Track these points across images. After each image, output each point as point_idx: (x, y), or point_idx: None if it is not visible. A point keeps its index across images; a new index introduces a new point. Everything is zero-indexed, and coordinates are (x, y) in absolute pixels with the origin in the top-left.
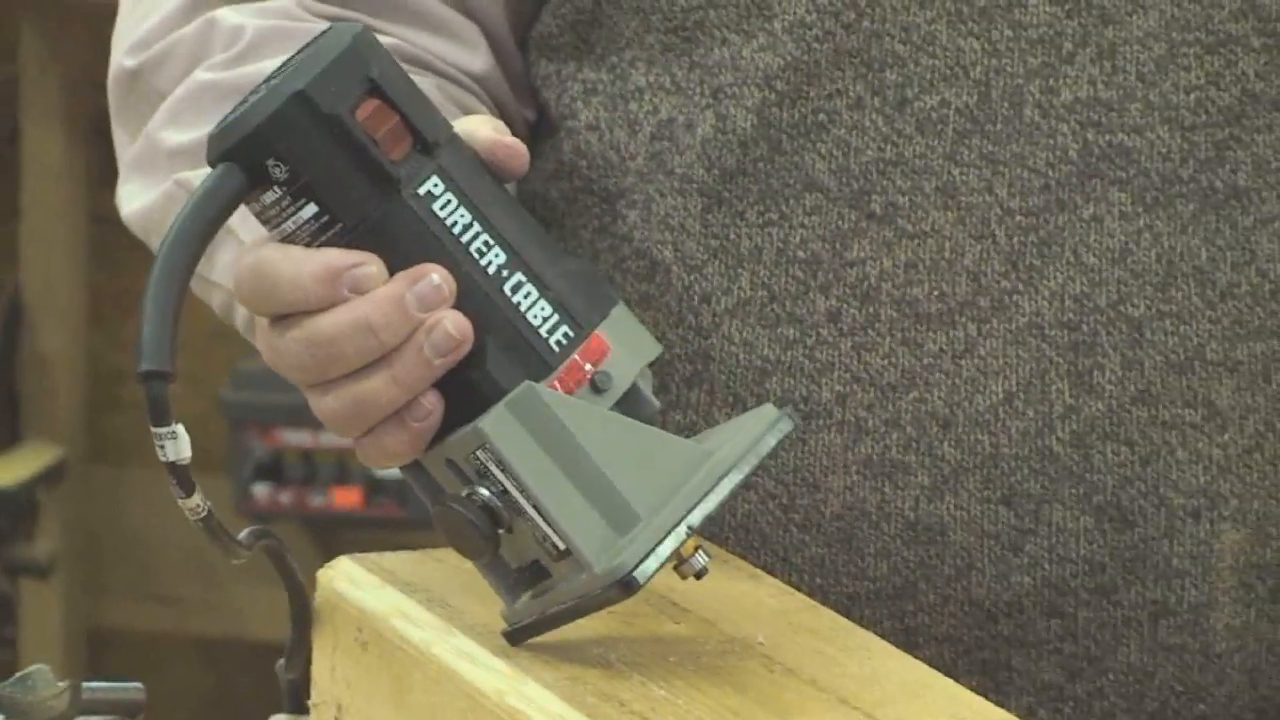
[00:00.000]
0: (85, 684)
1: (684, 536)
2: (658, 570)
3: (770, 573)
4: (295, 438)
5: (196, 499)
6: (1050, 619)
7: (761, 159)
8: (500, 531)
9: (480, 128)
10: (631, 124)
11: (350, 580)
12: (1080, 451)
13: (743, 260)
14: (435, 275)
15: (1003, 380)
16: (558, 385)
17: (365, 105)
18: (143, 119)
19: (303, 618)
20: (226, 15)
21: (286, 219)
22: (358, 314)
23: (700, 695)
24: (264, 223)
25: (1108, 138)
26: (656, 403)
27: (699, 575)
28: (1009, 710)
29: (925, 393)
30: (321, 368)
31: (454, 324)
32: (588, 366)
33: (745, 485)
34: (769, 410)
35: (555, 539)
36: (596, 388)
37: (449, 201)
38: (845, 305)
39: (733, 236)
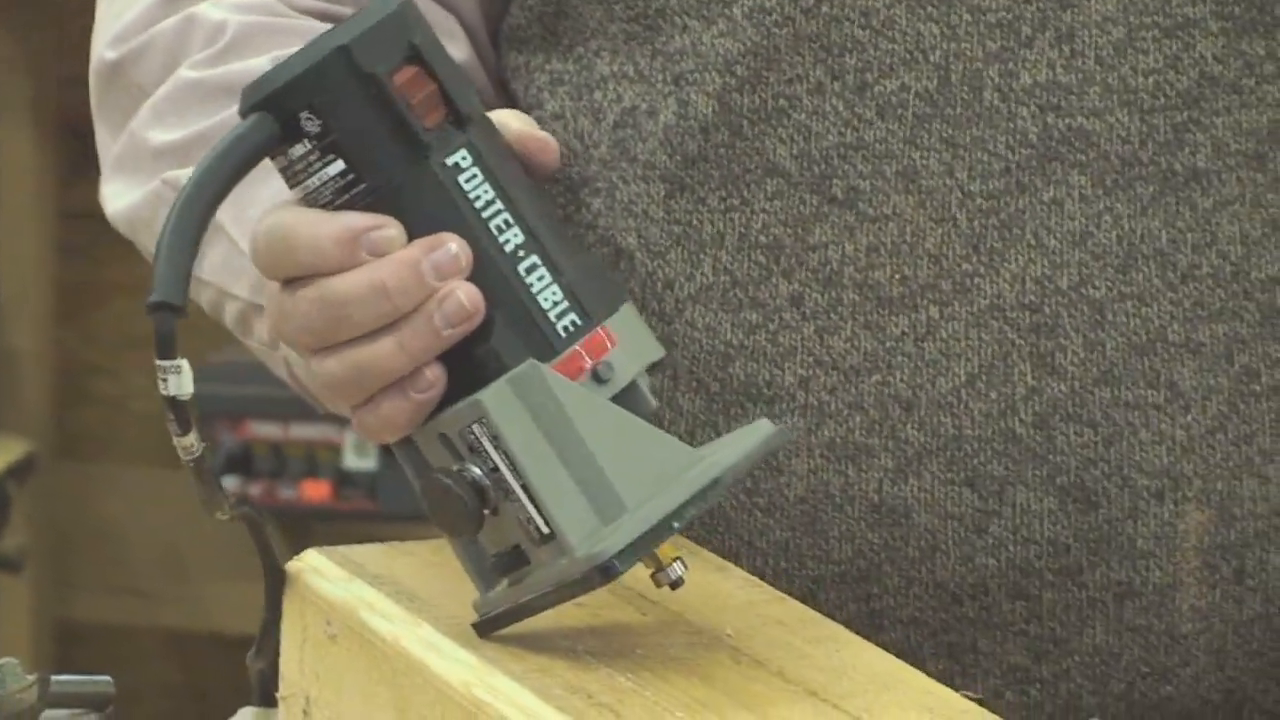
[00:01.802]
0: (54, 677)
1: (668, 532)
2: (636, 560)
3: (735, 557)
4: (265, 430)
5: (191, 438)
6: (1015, 601)
7: (723, 145)
8: (485, 513)
9: (512, 119)
10: (595, 113)
11: (319, 573)
12: (1043, 433)
13: (705, 246)
14: (453, 244)
15: (965, 362)
16: (560, 369)
17: (405, 70)
18: (124, 113)
19: (276, 594)
20: (206, 10)
21: (312, 174)
22: (373, 276)
23: (668, 687)
24: (288, 179)
25: (1067, 121)
26: (654, 403)
27: (674, 585)
28: (976, 692)
29: (888, 376)
30: (331, 329)
31: (467, 295)
32: (591, 356)
33: (732, 493)
34: (765, 424)
35: (540, 521)
36: (598, 378)
37: (475, 176)
38: (808, 289)
39: (695, 222)
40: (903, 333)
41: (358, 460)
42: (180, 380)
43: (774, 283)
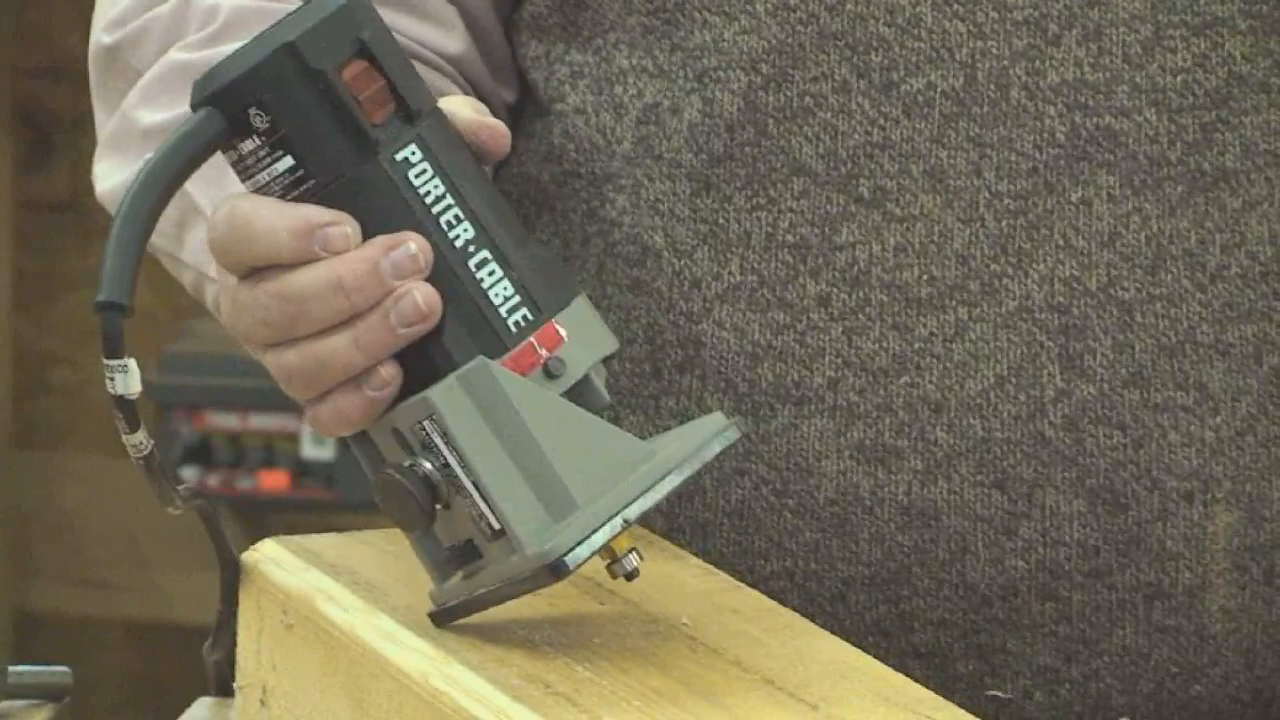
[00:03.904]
0: (12, 667)
1: (619, 528)
2: (588, 559)
3: (764, 558)
4: (223, 421)
5: (140, 436)
6: (1045, 602)
7: (748, 143)
8: (437, 507)
9: (463, 108)
10: (617, 108)
11: (275, 562)
12: (1072, 435)
13: (732, 245)
14: (413, 244)
15: (994, 364)
16: (511, 365)
17: (352, 65)
18: (120, 96)
19: (232, 586)
20: None
21: (261, 170)
22: (332, 273)
23: (625, 676)
24: (239, 172)
25: (1095, 120)
26: (607, 397)
27: (629, 576)
28: (1006, 692)
29: (916, 377)
30: (288, 324)
31: (423, 296)
32: (542, 351)
33: (684, 488)
34: (718, 418)
35: (491, 518)
36: (549, 373)
37: (424, 170)
38: (835, 290)
39: (721, 221)
40: (931, 334)
41: (316, 450)
42: (128, 379)
43: (801, 283)
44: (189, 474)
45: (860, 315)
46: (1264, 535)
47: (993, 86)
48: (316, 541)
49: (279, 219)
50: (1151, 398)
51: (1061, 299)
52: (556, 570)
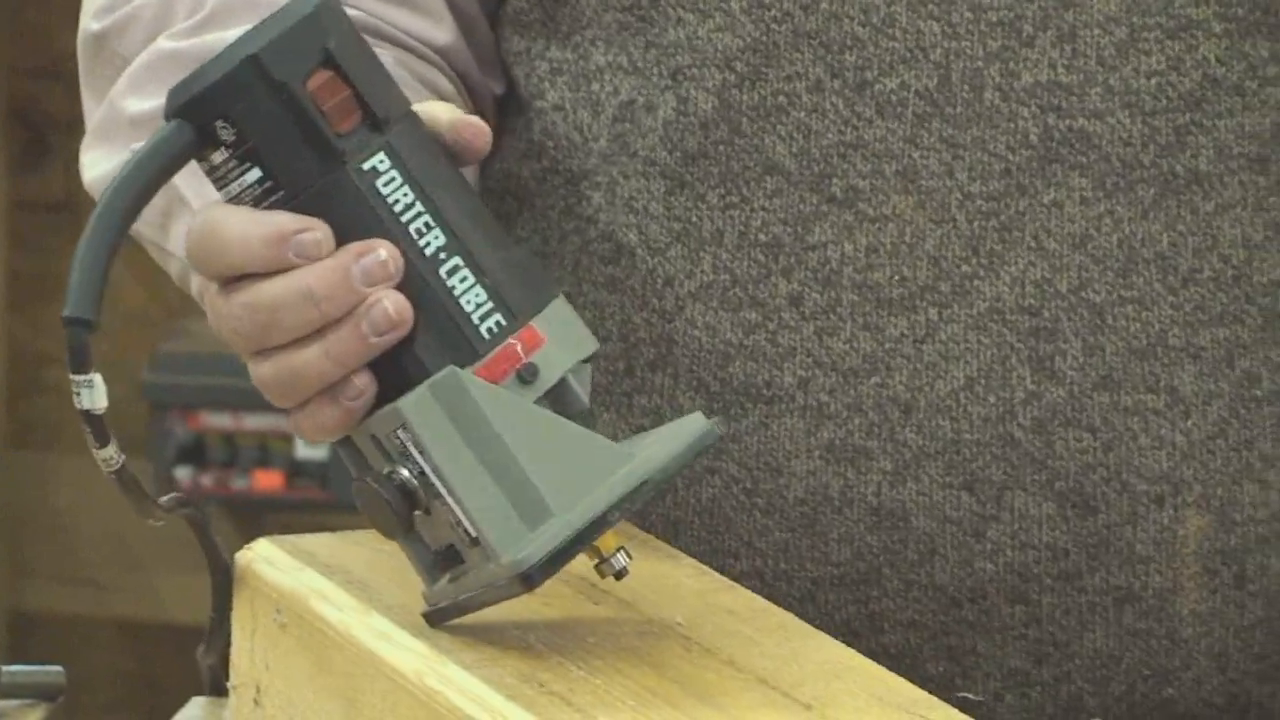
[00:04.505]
0: (5, 667)
1: (594, 537)
2: (559, 568)
3: (734, 557)
4: (217, 420)
5: (110, 450)
6: (1014, 605)
7: (722, 141)
8: (418, 513)
9: (441, 111)
10: (594, 105)
11: (269, 562)
12: (1042, 438)
13: (705, 243)
14: (383, 250)
15: (964, 366)
16: (484, 373)
17: (317, 75)
18: (109, 84)
19: (224, 591)
20: None
21: (232, 181)
22: (301, 282)
23: (619, 676)
24: (214, 182)
25: (1068, 122)
26: (586, 401)
27: (618, 576)
28: (977, 694)
29: (887, 378)
30: (261, 334)
31: (394, 305)
32: (517, 357)
33: (661, 492)
34: (697, 418)
35: (467, 525)
36: (523, 379)
37: (393, 179)
38: (807, 289)
39: (695, 220)
40: (902, 334)
41: (309, 450)
42: (94, 394)
43: (773, 282)
44: (182, 474)
45: (831, 315)
46: (1235, 539)
47: (966, 87)
48: (310, 541)
49: (252, 227)
50: (1122, 400)
51: (1032, 301)
52: (528, 580)
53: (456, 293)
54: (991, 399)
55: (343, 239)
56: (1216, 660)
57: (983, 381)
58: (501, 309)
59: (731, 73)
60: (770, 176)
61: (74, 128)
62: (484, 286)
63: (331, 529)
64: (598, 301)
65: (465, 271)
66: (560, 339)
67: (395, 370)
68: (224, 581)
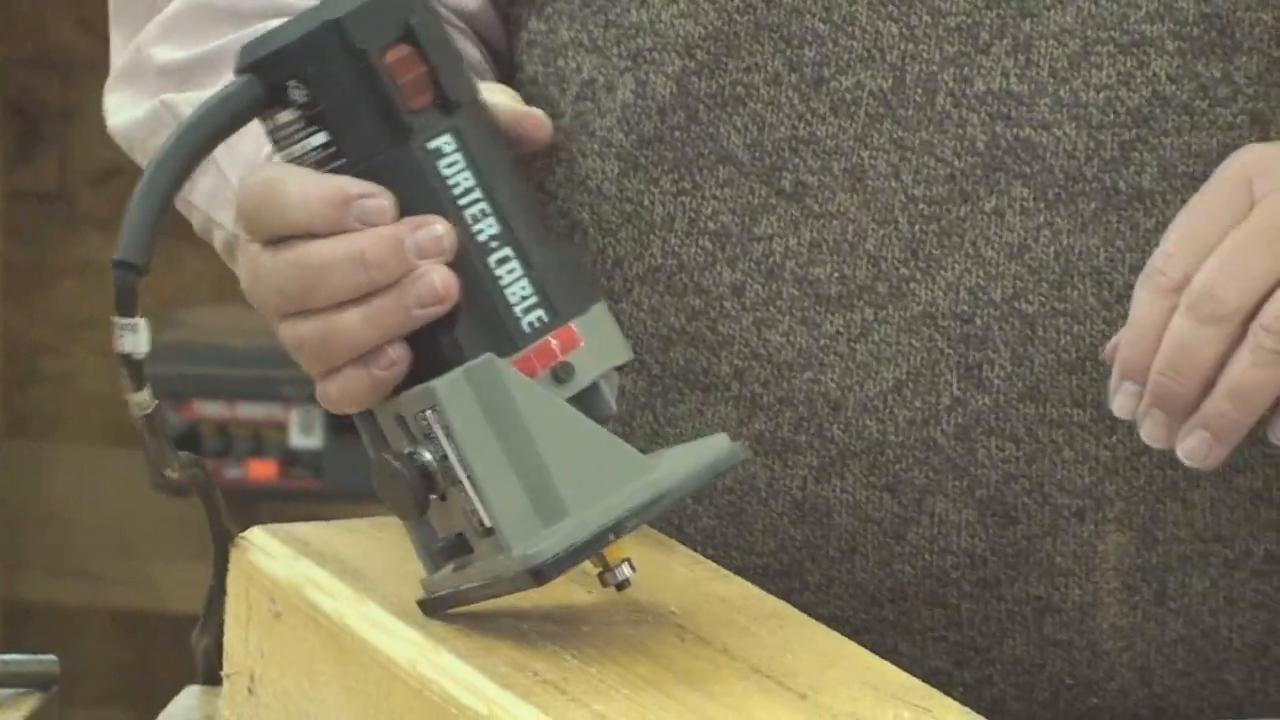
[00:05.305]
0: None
1: (607, 541)
2: (569, 569)
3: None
4: (211, 410)
5: (144, 395)
6: (933, 608)
7: (678, 128)
8: (432, 498)
9: (504, 98)
10: (561, 81)
11: (264, 551)
12: (964, 445)
13: (655, 227)
14: (439, 226)
15: (893, 367)
16: (521, 365)
17: (397, 49)
18: (139, 24)
19: (223, 561)
20: None
21: (295, 142)
22: (354, 246)
23: (613, 665)
24: (274, 142)
25: (1015, 131)
26: (614, 407)
27: (620, 587)
28: None
29: (819, 374)
30: (305, 294)
31: (441, 279)
32: (554, 354)
33: (679, 507)
34: (723, 439)
35: (482, 514)
36: (557, 377)
37: (456, 162)
38: (750, 280)
39: (646, 203)
40: (837, 331)
41: (304, 440)
42: (136, 338)
43: (718, 270)
44: None
45: (771, 307)
46: (1156, 557)
47: (920, 90)
48: (304, 530)
49: (314, 188)
50: (1047, 413)
51: (965, 307)
52: (539, 574)
53: (503, 282)
54: (918, 403)
55: (399, 214)
56: (1139, 674)
57: (910, 385)
58: (545, 305)
59: (691, 60)
60: (723, 166)
61: (68, 118)
62: (530, 280)
63: (326, 518)
64: None
65: (514, 263)
66: (597, 342)
67: (432, 350)
68: (224, 551)
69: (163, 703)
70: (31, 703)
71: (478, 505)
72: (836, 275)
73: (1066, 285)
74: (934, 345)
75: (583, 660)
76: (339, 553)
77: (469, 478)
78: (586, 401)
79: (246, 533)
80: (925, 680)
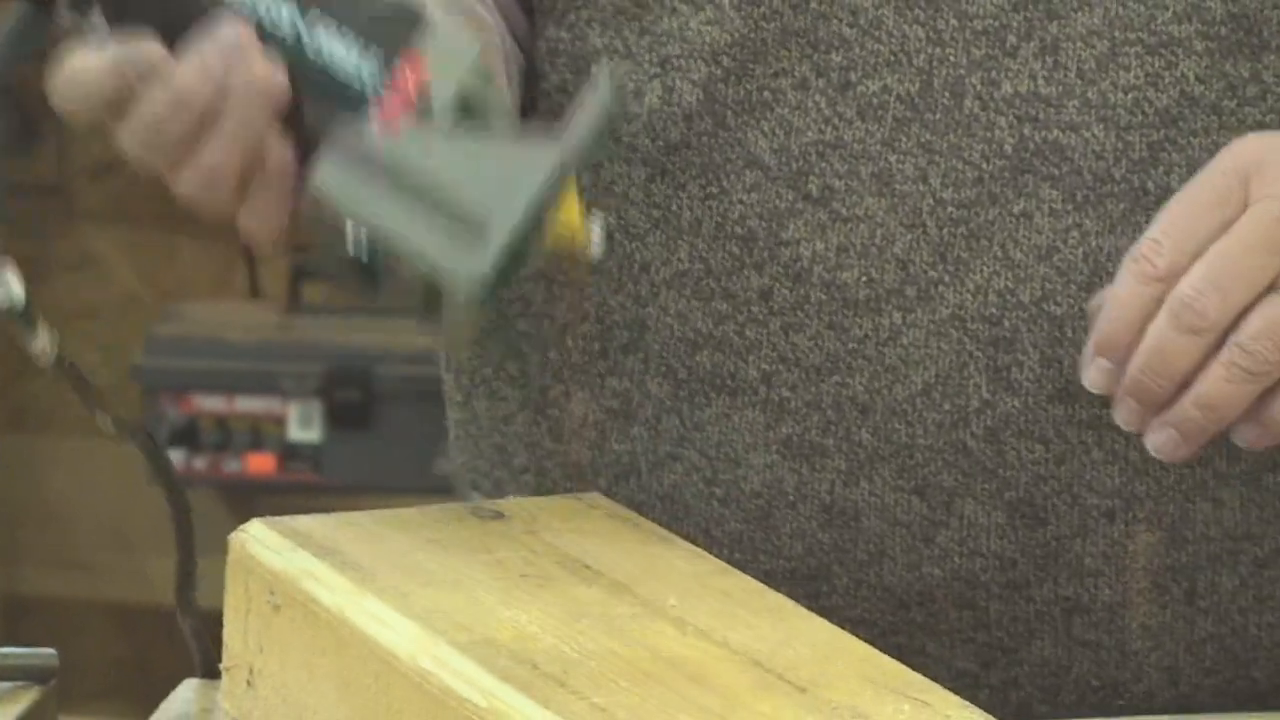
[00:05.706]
0: None
1: (533, 224)
2: (518, 268)
3: (692, 543)
4: (210, 404)
5: (42, 341)
6: (962, 610)
7: (705, 133)
8: (380, 272)
9: None
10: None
11: (262, 543)
12: (994, 447)
13: (682, 232)
14: (226, 29)
15: (922, 371)
16: (383, 118)
17: None
18: None
19: (185, 523)
20: None
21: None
22: (166, 94)
23: (613, 657)
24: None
25: (1043, 134)
26: (505, 99)
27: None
28: None
29: (847, 378)
30: (162, 154)
31: (259, 69)
32: (405, 92)
33: (593, 154)
34: (600, 86)
35: (422, 269)
36: (420, 111)
37: None
38: (777, 284)
39: (674, 208)
40: (865, 335)
41: (303, 433)
42: (6, 290)
43: (745, 275)
44: (175, 457)
45: (799, 312)
46: (1185, 556)
47: (947, 94)
48: (303, 522)
49: (92, 63)
50: (1076, 414)
51: (994, 310)
52: (485, 284)
53: (324, 52)
54: (946, 405)
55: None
56: (1167, 673)
57: (939, 388)
58: (373, 52)
59: (718, 66)
60: (750, 170)
61: None
62: (348, 38)
63: (324, 511)
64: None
65: (323, 29)
66: (442, 55)
67: (304, 149)
68: (182, 515)
69: (161, 695)
70: (30, 696)
71: (414, 262)
72: (864, 279)
73: (1095, 286)
74: (962, 348)
75: (583, 654)
76: (338, 545)
77: (390, 244)
78: (469, 109)
79: (246, 525)
80: (952, 682)
